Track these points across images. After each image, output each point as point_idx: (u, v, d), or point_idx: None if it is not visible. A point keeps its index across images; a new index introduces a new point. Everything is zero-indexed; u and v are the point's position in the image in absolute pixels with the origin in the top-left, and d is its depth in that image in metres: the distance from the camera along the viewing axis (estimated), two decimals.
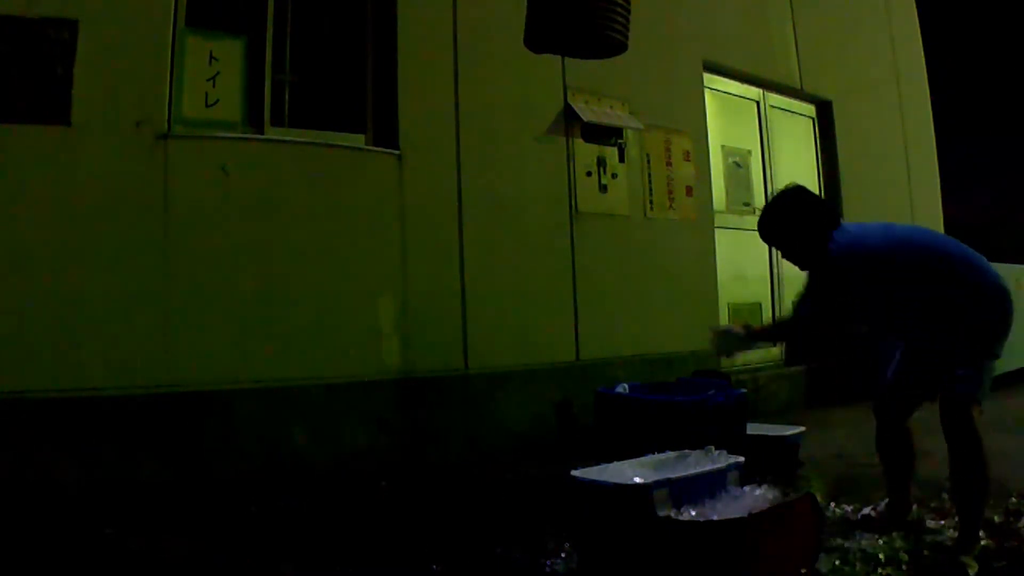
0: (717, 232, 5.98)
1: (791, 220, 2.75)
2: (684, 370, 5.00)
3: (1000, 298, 2.57)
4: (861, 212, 7.23)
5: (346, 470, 3.82)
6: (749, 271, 6.38)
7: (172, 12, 3.82)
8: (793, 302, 2.78)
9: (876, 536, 2.67)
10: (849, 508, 3.03)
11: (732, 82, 6.51)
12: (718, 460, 2.75)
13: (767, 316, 6.46)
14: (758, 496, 2.51)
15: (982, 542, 2.55)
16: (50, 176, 3.52)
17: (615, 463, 2.75)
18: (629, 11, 3.13)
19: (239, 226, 3.86)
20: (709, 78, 6.22)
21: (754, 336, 2.92)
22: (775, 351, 6.33)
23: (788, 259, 2.83)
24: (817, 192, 7.07)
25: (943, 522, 2.83)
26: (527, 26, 3.17)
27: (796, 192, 2.82)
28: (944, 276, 2.57)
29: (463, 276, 4.50)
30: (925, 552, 2.55)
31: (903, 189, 8.01)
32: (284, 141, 4.11)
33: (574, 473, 2.68)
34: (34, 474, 3.27)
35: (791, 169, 6.94)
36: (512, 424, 4.50)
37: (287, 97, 4.25)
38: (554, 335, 4.90)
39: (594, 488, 2.57)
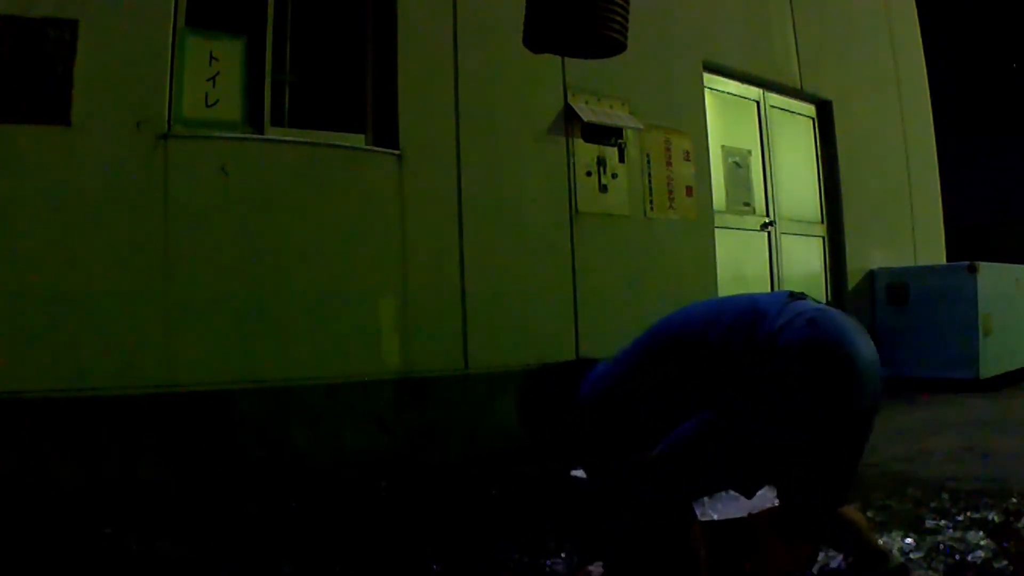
0: (717, 232, 5.98)
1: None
2: None
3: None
4: (861, 212, 7.25)
5: (346, 470, 3.82)
6: (749, 271, 6.38)
7: (172, 12, 3.82)
8: None
9: None
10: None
11: (732, 82, 6.50)
12: None
13: None
14: (758, 496, 2.50)
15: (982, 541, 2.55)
16: (50, 176, 3.51)
17: None
18: (628, 11, 3.13)
19: (239, 226, 3.86)
20: (709, 78, 6.21)
21: None
22: None
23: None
24: (817, 192, 7.19)
25: (943, 522, 2.83)
26: (526, 26, 3.17)
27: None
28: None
29: (463, 276, 4.49)
30: None
31: (903, 189, 8.01)
32: (284, 141, 4.11)
33: (574, 473, 2.68)
34: (34, 474, 3.27)
35: (791, 169, 6.96)
36: (512, 424, 4.43)
37: (287, 97, 4.25)
38: (554, 335, 4.89)
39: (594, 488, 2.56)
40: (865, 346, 1.83)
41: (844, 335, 1.82)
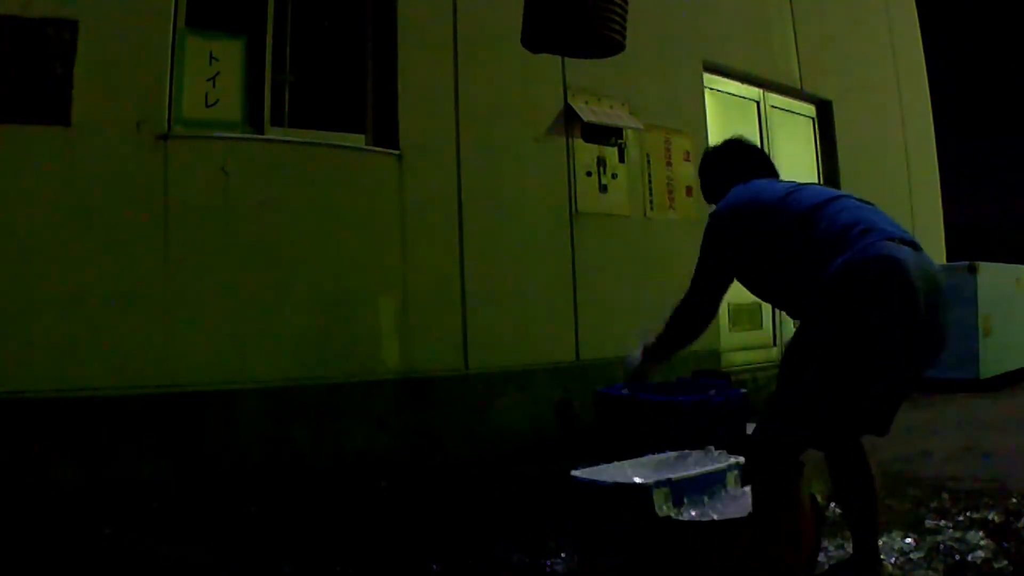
0: None
1: (707, 169, 2.71)
2: (684, 370, 4.99)
3: (841, 302, 1.94)
4: None
5: (346, 470, 3.82)
6: None
7: (172, 12, 3.81)
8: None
9: None
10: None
11: (732, 82, 6.50)
12: (718, 460, 2.75)
13: (767, 316, 6.45)
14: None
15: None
16: (50, 176, 3.51)
17: (615, 463, 2.75)
18: (627, 10, 3.12)
19: (239, 226, 3.86)
20: (709, 78, 6.21)
21: (651, 353, 2.68)
22: (775, 352, 6.33)
23: None
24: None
25: (943, 522, 2.83)
26: (524, 25, 3.16)
27: (727, 143, 2.67)
28: (794, 252, 2.14)
29: (463, 276, 4.49)
30: None
31: (903, 189, 8.01)
32: (284, 141, 4.11)
33: (574, 473, 2.68)
34: (34, 474, 3.27)
35: (791, 169, 6.94)
36: (512, 424, 4.49)
37: (287, 97, 4.25)
38: (554, 335, 4.89)
39: (594, 488, 2.56)
40: (914, 264, 2.03)
41: (894, 268, 2.00)
